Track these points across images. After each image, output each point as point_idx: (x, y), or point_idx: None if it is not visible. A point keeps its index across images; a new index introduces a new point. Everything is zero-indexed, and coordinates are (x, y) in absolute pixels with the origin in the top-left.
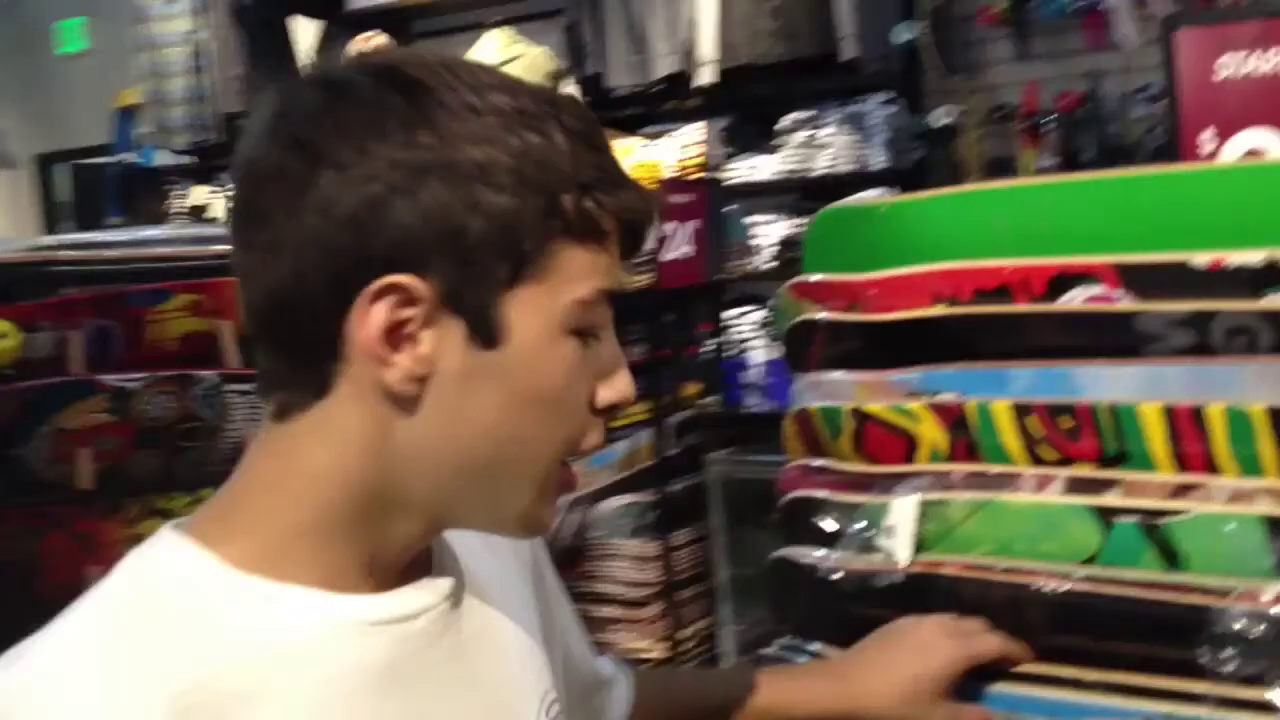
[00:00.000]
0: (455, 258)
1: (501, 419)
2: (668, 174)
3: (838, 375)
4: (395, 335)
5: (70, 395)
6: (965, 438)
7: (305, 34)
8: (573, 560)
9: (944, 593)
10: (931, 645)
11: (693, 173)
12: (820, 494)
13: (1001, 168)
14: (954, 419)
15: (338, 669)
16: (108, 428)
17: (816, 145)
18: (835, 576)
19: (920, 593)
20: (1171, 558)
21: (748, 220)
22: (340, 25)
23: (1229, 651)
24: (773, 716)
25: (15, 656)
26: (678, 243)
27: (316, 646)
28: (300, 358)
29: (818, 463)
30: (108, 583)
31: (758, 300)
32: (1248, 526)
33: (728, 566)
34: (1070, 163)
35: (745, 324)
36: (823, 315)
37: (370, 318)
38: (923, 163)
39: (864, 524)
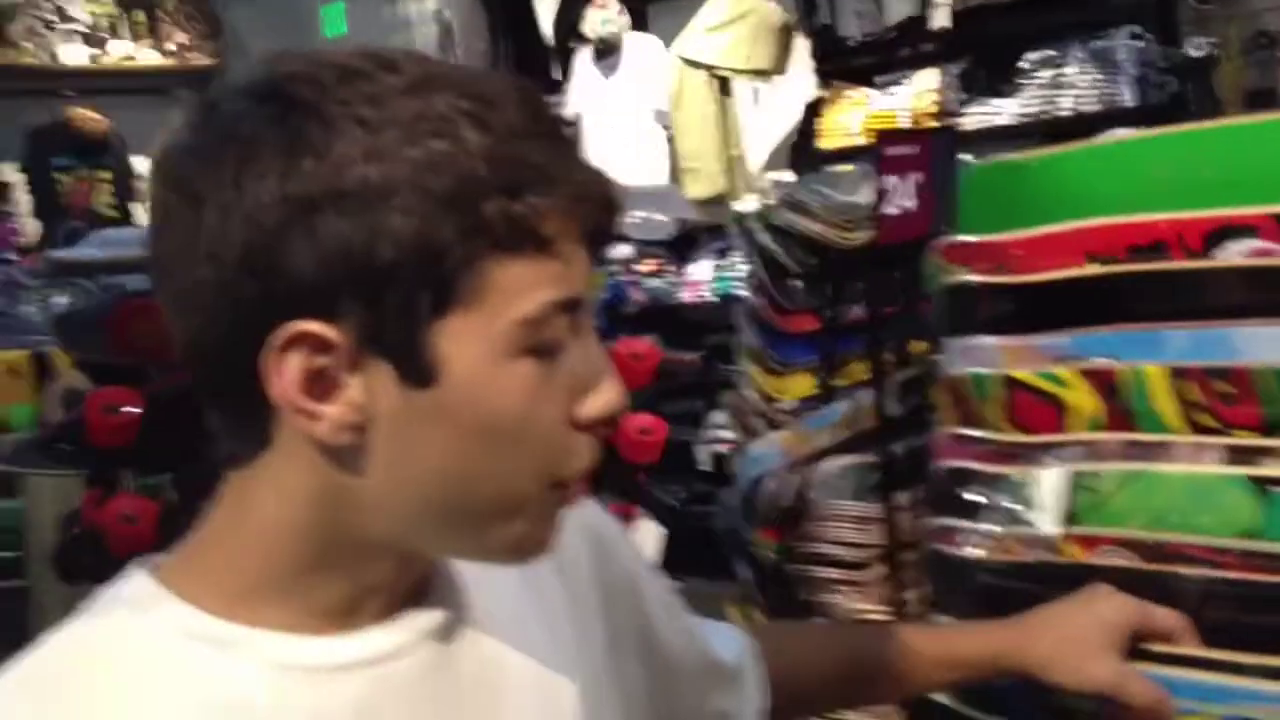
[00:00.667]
0: (366, 294)
1: (456, 458)
2: (903, 123)
3: (986, 340)
4: (317, 385)
5: None
6: (1118, 405)
7: (545, 4)
8: (793, 522)
9: (1087, 577)
10: (1105, 598)
11: (929, 120)
12: (970, 464)
13: (1264, 100)
14: (1106, 385)
15: (296, 718)
16: None
17: (1060, 85)
18: (976, 555)
19: (1062, 574)
20: None
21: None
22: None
23: None
24: (930, 671)
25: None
26: (899, 196)
27: (271, 694)
28: (232, 411)
29: (968, 431)
30: (82, 617)
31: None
32: None
33: None
34: None
35: None
36: (972, 278)
37: (284, 370)
38: (1177, 98)
39: (1011, 496)
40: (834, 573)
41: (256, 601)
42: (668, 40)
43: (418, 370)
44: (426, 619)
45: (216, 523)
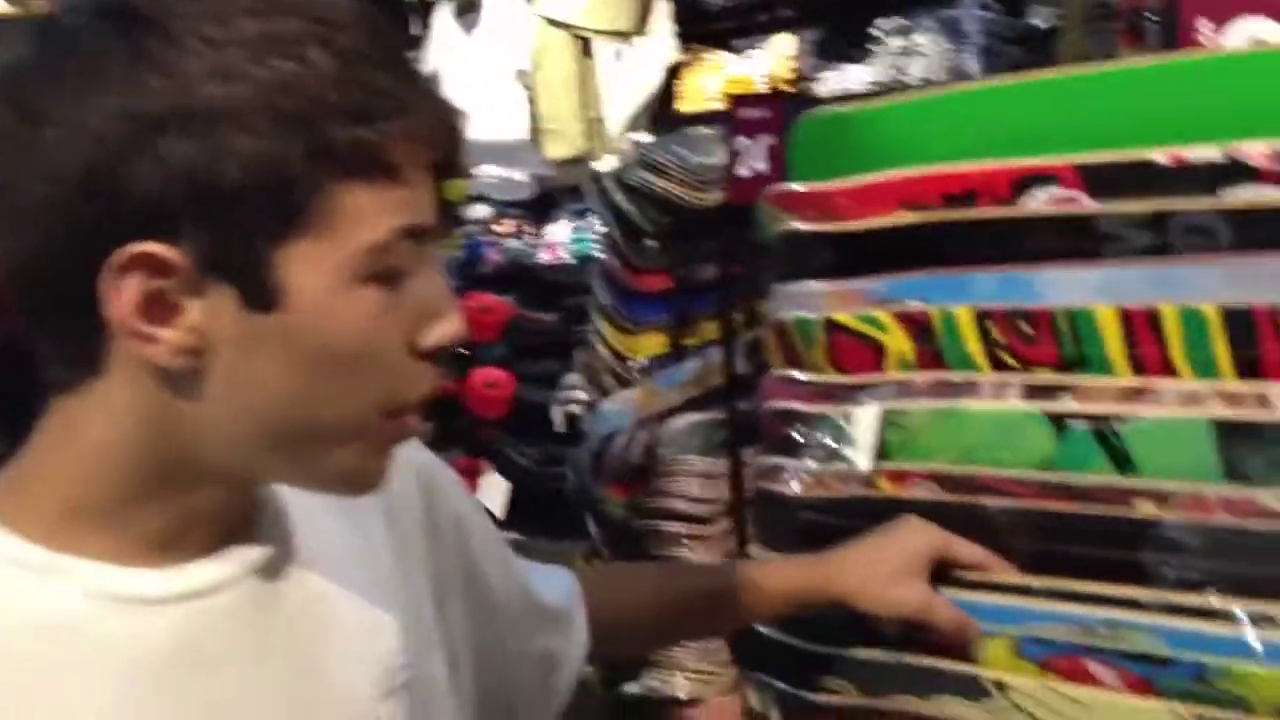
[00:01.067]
0: (210, 217)
1: (296, 384)
2: (760, 88)
3: (811, 285)
4: (155, 308)
5: None
6: (930, 346)
7: None
8: (641, 478)
9: (898, 510)
10: (913, 530)
11: (785, 86)
12: (794, 405)
13: None
14: (919, 327)
15: (112, 647)
16: None
17: (910, 53)
18: (796, 492)
19: (875, 509)
20: (1122, 462)
21: None
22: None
23: (1172, 558)
24: (751, 607)
25: None
26: (751, 158)
27: (90, 623)
28: (63, 335)
29: (793, 373)
30: None
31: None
32: (1197, 429)
33: None
34: None
35: None
36: (799, 225)
37: (122, 292)
38: (1020, 67)
39: (829, 434)
40: (680, 527)
41: (79, 528)
42: None
43: (261, 295)
44: (251, 554)
45: (41, 449)
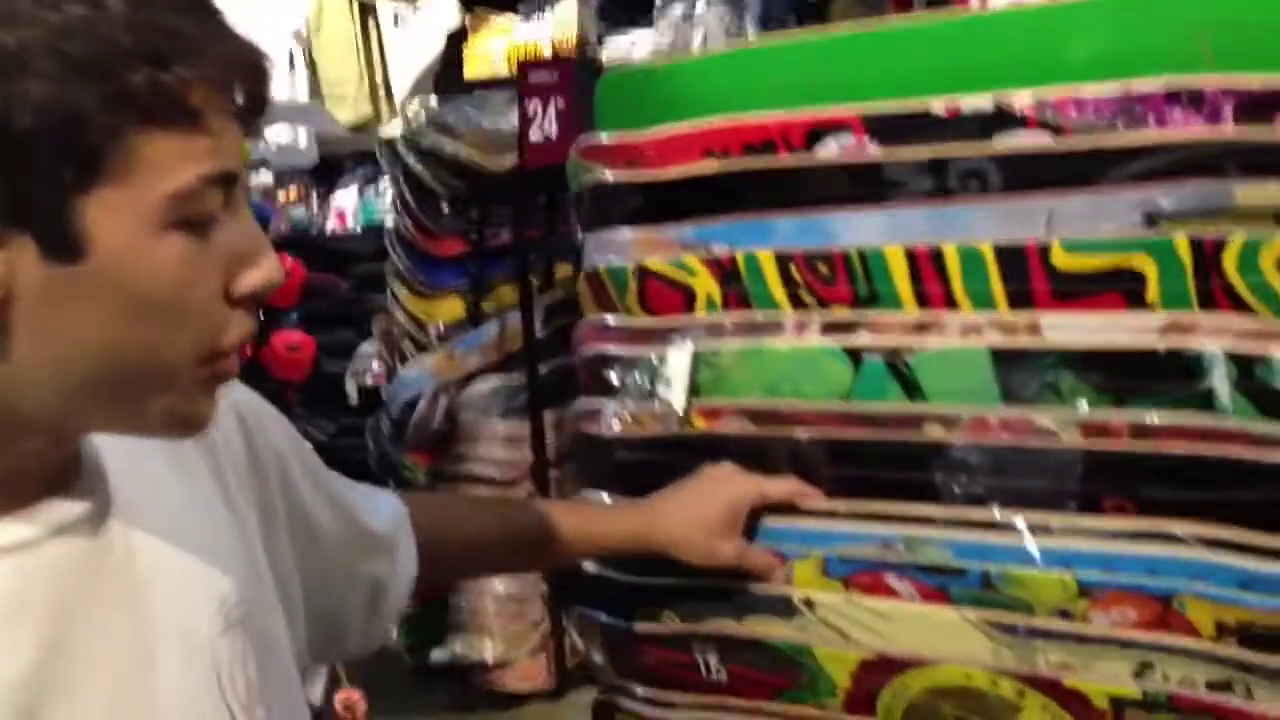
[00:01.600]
0: (4, 166)
1: (106, 334)
2: (545, 53)
3: (622, 233)
4: None
5: None
6: (736, 288)
7: None
8: (443, 443)
9: (711, 445)
10: (727, 481)
11: (569, 51)
12: (609, 348)
13: None
14: (725, 270)
15: None
16: None
17: (691, 21)
18: (614, 431)
19: (689, 445)
20: (912, 391)
21: None
22: None
23: (959, 477)
24: (573, 548)
25: None
26: (543, 123)
27: None
28: None
29: (608, 319)
30: None
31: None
32: (977, 357)
33: None
34: None
35: None
36: (608, 175)
37: None
38: None
39: (644, 375)
40: (484, 491)
41: None
42: None
43: (63, 245)
44: (70, 508)
45: None
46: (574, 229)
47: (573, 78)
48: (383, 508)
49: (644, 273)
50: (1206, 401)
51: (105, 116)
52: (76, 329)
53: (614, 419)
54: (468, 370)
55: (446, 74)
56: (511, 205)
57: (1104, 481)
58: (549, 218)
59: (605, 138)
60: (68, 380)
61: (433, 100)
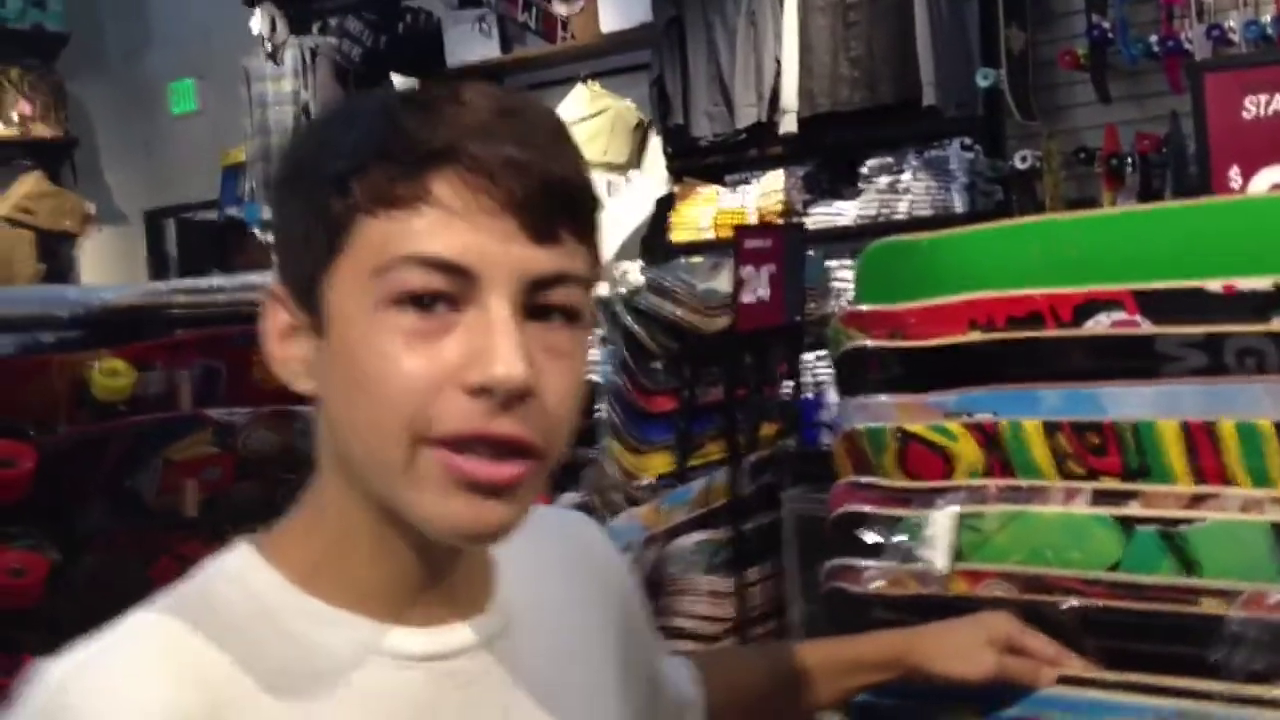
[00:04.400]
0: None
1: (340, 409)
2: (751, 220)
3: (882, 398)
4: (285, 339)
5: (179, 430)
6: (999, 455)
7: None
8: (650, 595)
9: (972, 608)
10: (988, 615)
11: (775, 218)
12: (865, 508)
13: (1082, 209)
14: (989, 437)
15: (373, 697)
16: (213, 459)
17: (897, 190)
18: (874, 589)
19: (950, 607)
20: (1187, 564)
21: (829, 264)
22: (438, 83)
23: (1237, 652)
24: (841, 676)
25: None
26: (756, 286)
27: (355, 671)
28: None
29: (864, 480)
30: (182, 582)
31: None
32: (1257, 533)
33: (801, 602)
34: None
35: (822, 366)
36: (868, 342)
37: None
38: (1002, 205)
39: (905, 536)
40: (689, 645)
41: (329, 573)
42: None
43: (315, 314)
44: (491, 623)
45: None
46: (778, 390)
47: (784, 244)
48: (684, 671)
49: (905, 435)
50: None
51: (335, 203)
52: (331, 404)
53: (875, 577)
54: (674, 523)
55: (654, 240)
56: (723, 364)
57: None
58: (757, 378)
59: (869, 306)
60: (341, 459)
61: (637, 265)
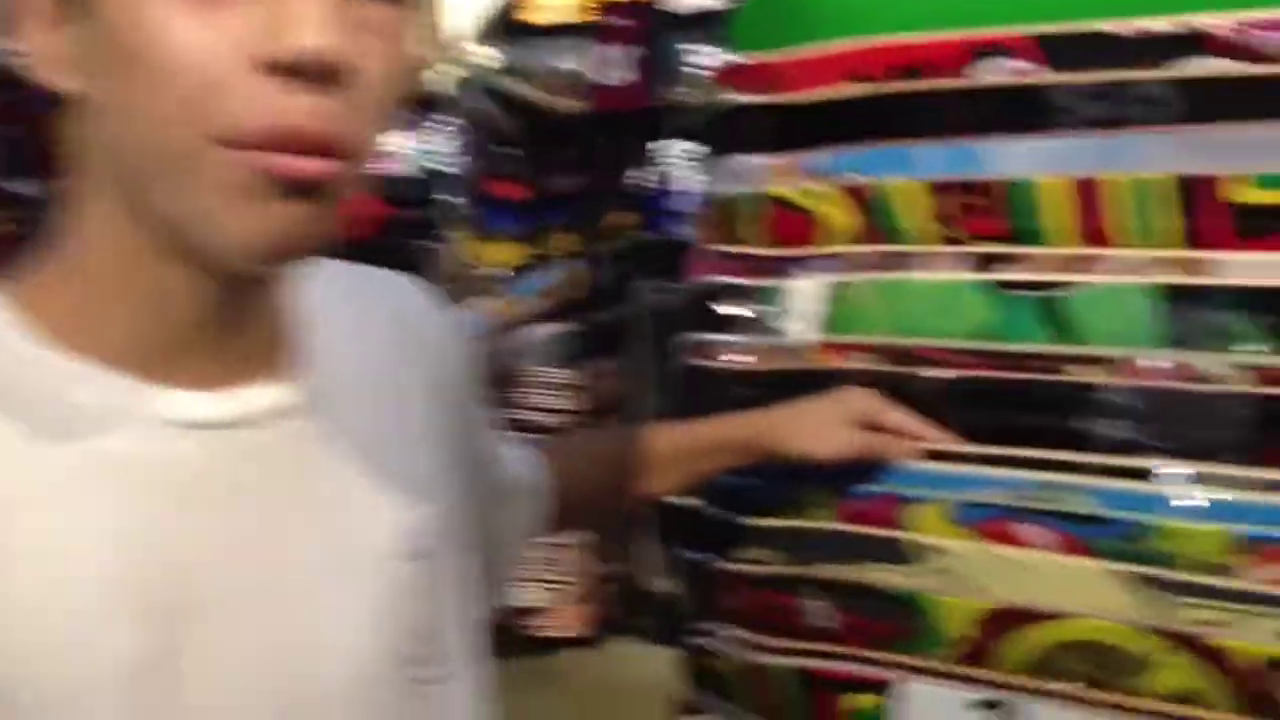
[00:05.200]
0: None
1: (113, 103)
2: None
3: (753, 160)
4: (44, 29)
5: None
6: (873, 220)
7: None
8: (497, 388)
9: (836, 382)
10: (847, 392)
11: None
12: (729, 279)
13: None
14: (862, 200)
15: (132, 466)
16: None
17: None
18: (732, 366)
19: (811, 381)
20: (1066, 331)
21: (691, 49)
22: None
23: (1110, 423)
24: (694, 459)
25: None
26: (616, 67)
27: (109, 438)
28: None
29: (727, 248)
30: None
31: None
32: (1139, 298)
33: (655, 395)
34: None
35: (680, 156)
36: (740, 98)
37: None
38: None
39: (768, 307)
40: (537, 439)
41: (89, 322)
42: None
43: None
44: (282, 393)
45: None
46: (635, 179)
47: (651, 25)
48: (526, 458)
49: (772, 200)
50: None
51: None
52: (105, 100)
53: (730, 352)
54: (525, 315)
55: (509, 19)
56: (580, 149)
57: (1276, 430)
58: (614, 165)
59: (741, 58)
60: (117, 168)
61: (491, 46)
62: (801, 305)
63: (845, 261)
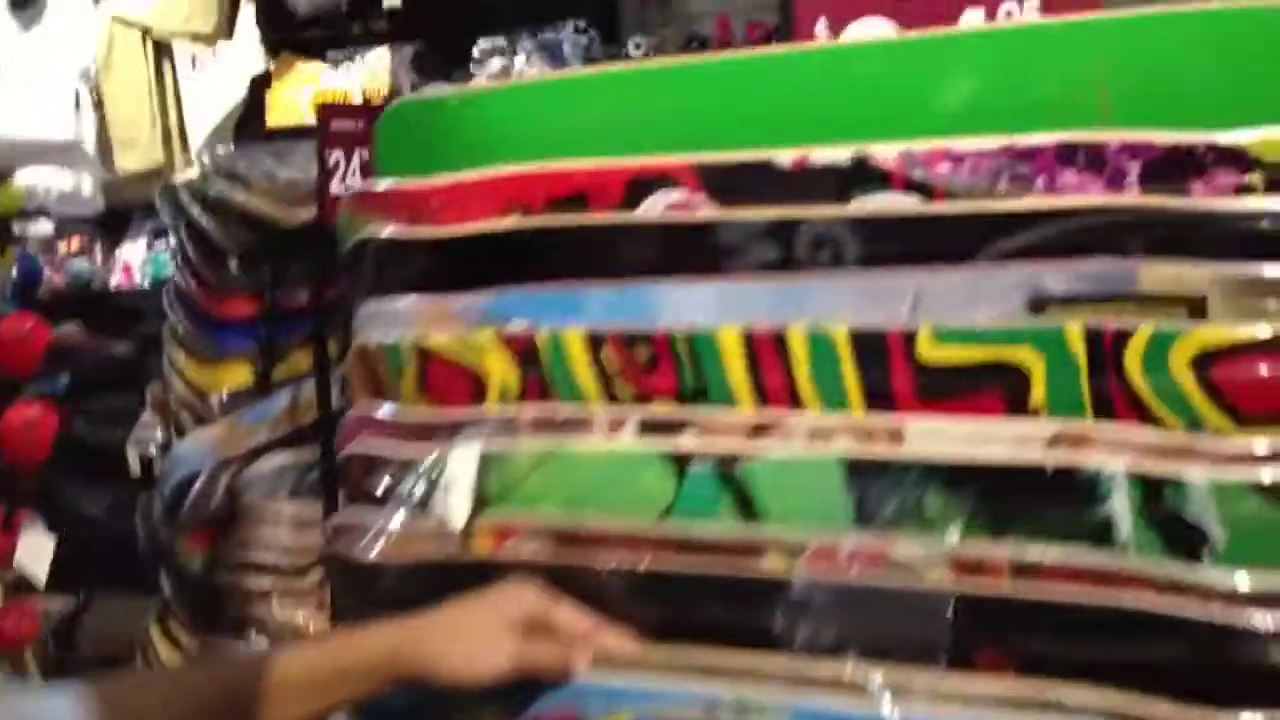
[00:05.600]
0: None
1: None
2: (355, 101)
3: (400, 303)
4: None
5: None
6: (537, 373)
7: None
8: (223, 527)
9: (497, 574)
10: (506, 591)
11: (381, 101)
12: (377, 449)
13: None
14: (524, 351)
15: None
16: None
17: (509, 74)
18: (377, 555)
19: (469, 574)
20: (748, 507)
21: None
22: None
23: (802, 622)
24: (321, 691)
25: None
26: (346, 175)
27: None
28: None
29: (377, 411)
30: None
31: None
32: (825, 469)
33: None
34: None
35: None
36: (384, 230)
37: None
38: None
39: (421, 482)
40: (268, 582)
41: None
42: None
43: None
44: None
45: None
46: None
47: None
48: (61, 705)
49: (425, 353)
50: (1103, 534)
51: None
52: None
53: (377, 539)
54: (254, 445)
55: (248, 123)
56: (309, 262)
57: (977, 632)
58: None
59: (384, 184)
60: None
61: (229, 148)
62: (455, 479)
63: (507, 425)
